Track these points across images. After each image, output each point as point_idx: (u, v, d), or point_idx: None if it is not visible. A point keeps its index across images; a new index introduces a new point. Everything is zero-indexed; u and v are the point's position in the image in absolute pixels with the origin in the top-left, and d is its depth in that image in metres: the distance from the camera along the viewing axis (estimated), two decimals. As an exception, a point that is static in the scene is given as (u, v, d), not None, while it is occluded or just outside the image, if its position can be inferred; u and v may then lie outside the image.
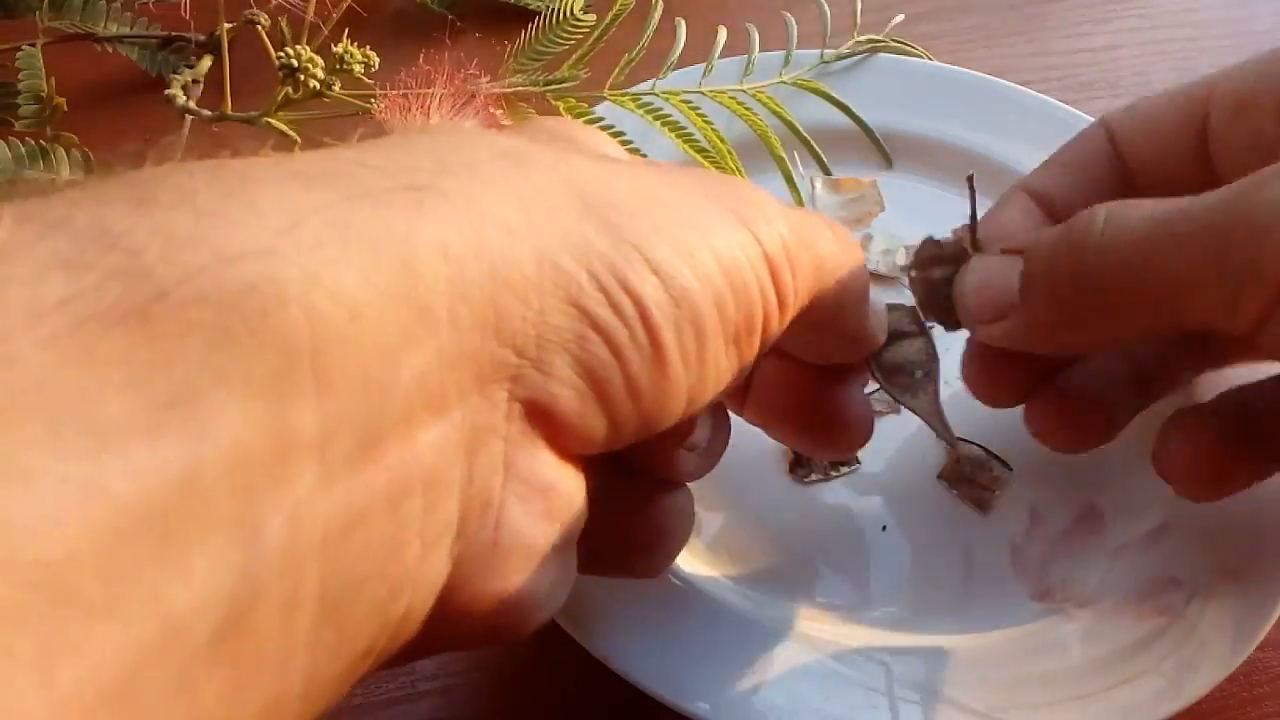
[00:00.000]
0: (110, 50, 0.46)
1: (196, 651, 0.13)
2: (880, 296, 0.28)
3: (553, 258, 0.18)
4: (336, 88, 0.41)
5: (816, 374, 0.28)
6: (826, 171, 0.42)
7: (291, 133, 0.39)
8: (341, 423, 0.15)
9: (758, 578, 0.32)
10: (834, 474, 0.35)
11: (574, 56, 0.41)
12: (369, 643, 0.16)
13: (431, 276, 0.16)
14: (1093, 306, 0.27)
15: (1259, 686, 0.32)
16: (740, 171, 0.40)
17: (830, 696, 0.29)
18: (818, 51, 0.44)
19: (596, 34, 0.42)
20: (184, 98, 0.42)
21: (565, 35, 0.42)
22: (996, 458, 0.35)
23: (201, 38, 0.46)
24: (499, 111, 0.40)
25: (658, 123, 0.40)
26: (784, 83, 0.43)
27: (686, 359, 0.20)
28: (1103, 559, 0.33)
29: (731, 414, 0.28)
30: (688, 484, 0.26)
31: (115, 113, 0.46)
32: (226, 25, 0.43)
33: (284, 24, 0.44)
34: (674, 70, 0.42)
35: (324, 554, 0.15)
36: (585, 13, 0.43)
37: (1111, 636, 0.31)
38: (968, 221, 0.30)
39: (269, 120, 0.40)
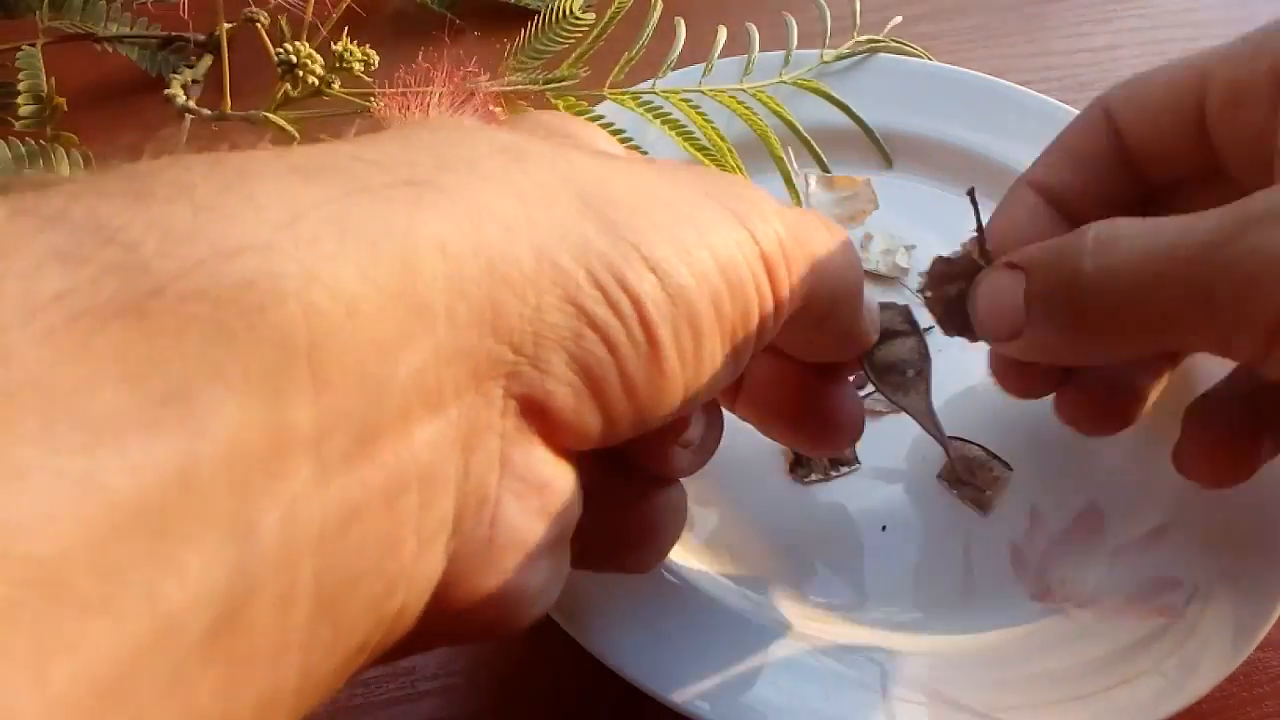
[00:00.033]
0: (110, 50, 0.46)
1: (191, 648, 0.13)
2: (873, 295, 0.28)
3: (551, 255, 0.18)
4: (336, 86, 0.41)
5: (809, 372, 0.28)
6: (826, 171, 0.42)
7: (291, 129, 0.39)
8: (338, 419, 0.15)
9: (758, 577, 0.32)
10: (834, 474, 0.35)
11: (573, 55, 0.41)
12: (364, 638, 0.16)
13: (429, 273, 0.16)
14: (1092, 333, 0.27)
15: (1259, 686, 0.32)
16: (741, 169, 0.40)
17: (830, 696, 0.29)
18: (818, 51, 0.44)
19: (596, 33, 0.42)
20: (184, 97, 0.42)
21: (564, 34, 0.42)
22: (996, 458, 0.35)
23: (201, 37, 0.46)
24: (498, 109, 0.40)
25: (658, 121, 0.40)
26: (784, 82, 0.43)
27: (683, 357, 0.20)
28: (1103, 559, 0.33)
29: (725, 412, 0.28)
30: (681, 480, 0.26)
31: (115, 113, 0.46)
32: (226, 25, 0.43)
33: (284, 22, 0.44)
34: (673, 70, 0.42)
35: (320, 550, 0.15)
36: (585, 12, 0.43)
37: (1111, 636, 0.31)
38: (974, 233, 0.30)
39: (266, 115, 0.40)
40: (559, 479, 0.19)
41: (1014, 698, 0.29)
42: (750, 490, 0.34)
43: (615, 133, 0.39)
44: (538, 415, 0.18)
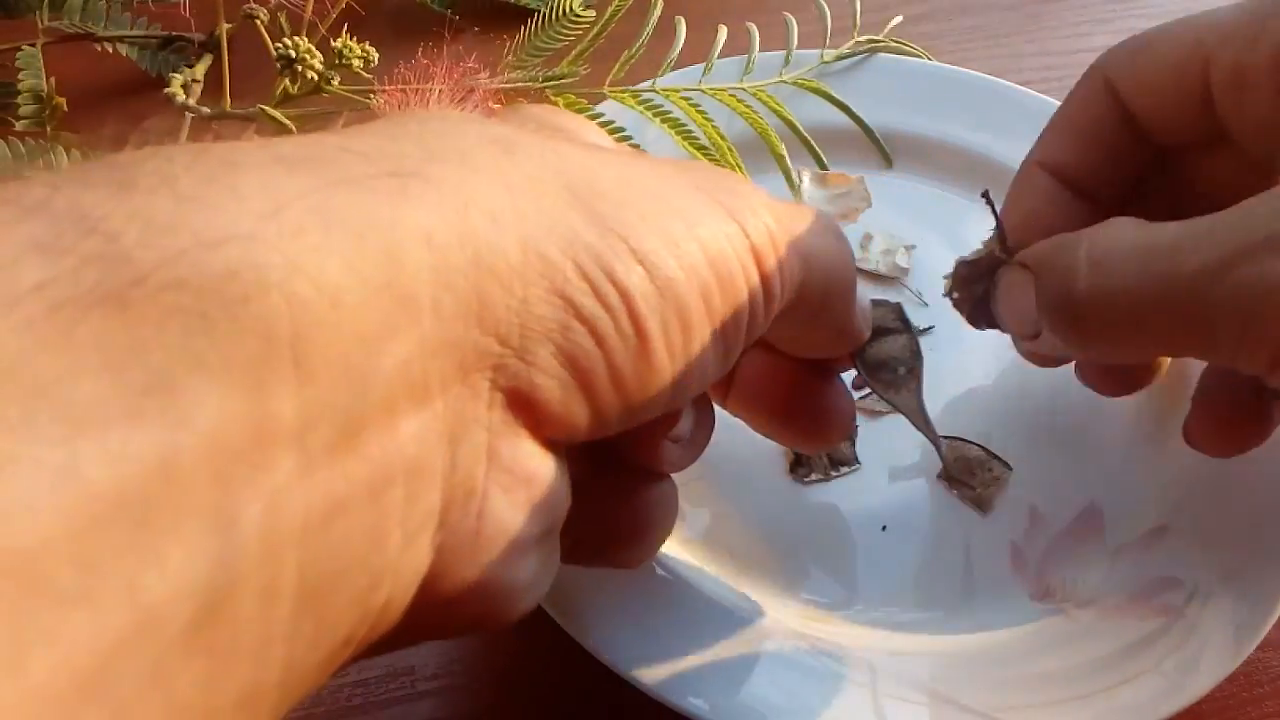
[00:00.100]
0: (110, 50, 0.46)
1: (172, 640, 0.13)
2: (865, 292, 0.28)
3: (538, 247, 0.18)
4: (335, 83, 0.41)
5: (801, 368, 0.28)
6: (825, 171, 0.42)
7: (289, 124, 0.39)
8: (322, 411, 0.15)
9: (758, 577, 0.32)
10: (834, 474, 0.35)
11: (573, 53, 0.41)
12: (349, 632, 0.16)
13: (414, 264, 0.16)
14: (1098, 345, 0.28)
15: (1259, 686, 0.31)
16: (741, 168, 0.40)
17: (830, 696, 0.29)
18: (818, 51, 0.44)
19: (596, 31, 0.42)
20: (184, 96, 0.42)
21: (564, 32, 0.42)
22: (997, 458, 0.35)
23: (201, 37, 0.46)
24: (498, 106, 0.40)
25: (657, 119, 0.40)
26: (784, 82, 0.43)
27: (671, 350, 0.20)
28: (1103, 559, 0.33)
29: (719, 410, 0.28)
30: (675, 477, 0.26)
31: (115, 113, 0.46)
32: (226, 25, 0.43)
33: (283, 19, 0.44)
34: (674, 69, 0.42)
35: (303, 543, 0.14)
36: (585, 10, 0.43)
37: (1111, 636, 0.31)
38: (992, 231, 0.31)
39: (263, 109, 0.40)
40: (547, 472, 0.19)
41: (1014, 698, 0.29)
42: (750, 490, 0.34)
43: (615, 131, 0.39)
44: (525, 408, 0.18)
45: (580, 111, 0.39)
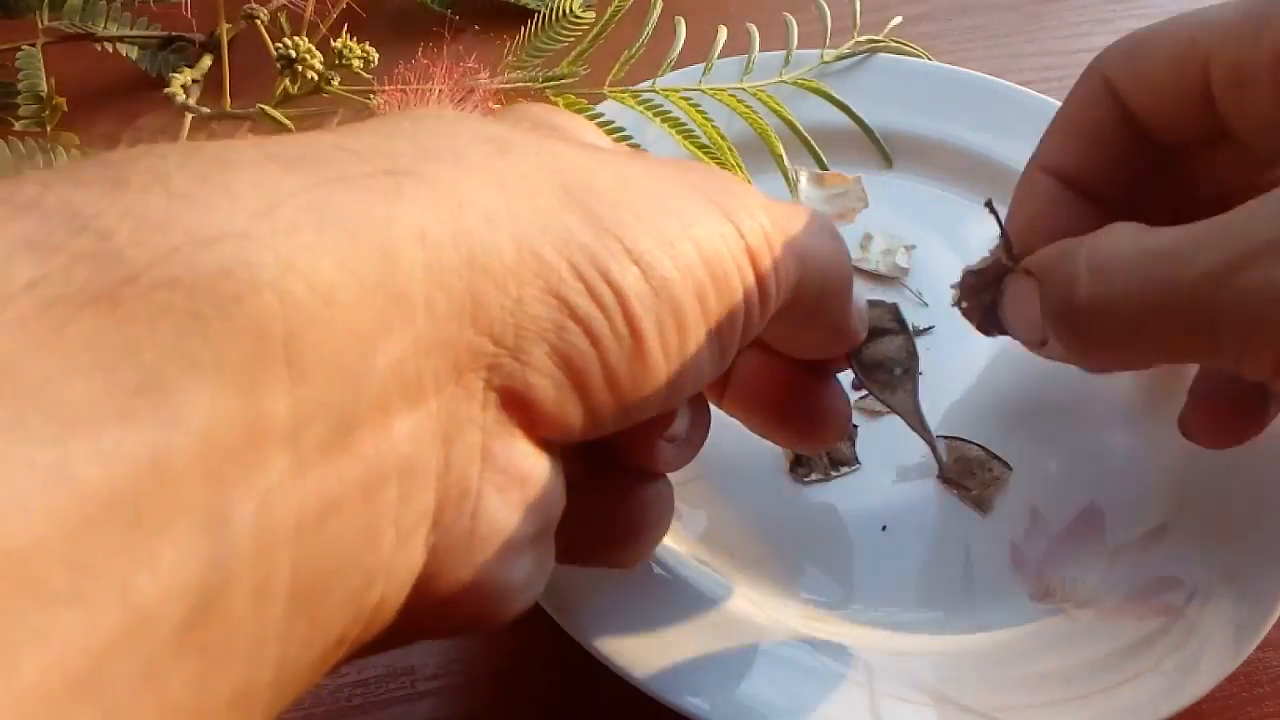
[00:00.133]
0: (110, 50, 0.46)
1: (165, 640, 0.13)
2: (861, 293, 0.28)
3: (533, 246, 0.18)
4: (336, 83, 0.41)
5: (797, 368, 0.28)
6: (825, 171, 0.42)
7: (289, 124, 0.39)
8: (315, 410, 0.15)
9: (757, 577, 0.32)
10: (834, 474, 0.35)
11: (573, 53, 0.41)
12: (342, 631, 0.16)
13: (408, 263, 0.16)
14: (1103, 352, 0.28)
15: (1259, 686, 0.31)
16: (741, 168, 0.40)
17: (829, 696, 0.29)
18: (818, 51, 0.44)
19: (596, 31, 0.42)
20: (184, 96, 0.42)
21: (564, 32, 0.42)
22: (997, 458, 0.35)
23: (201, 37, 0.46)
24: (497, 107, 0.40)
25: (657, 119, 0.40)
26: (784, 82, 0.43)
27: (667, 350, 0.20)
28: (1103, 559, 0.33)
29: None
30: (670, 475, 0.26)
31: (115, 113, 0.46)
32: (226, 25, 0.43)
33: (283, 19, 0.44)
34: (673, 69, 0.42)
35: (296, 543, 0.14)
36: (585, 10, 0.43)
37: (1111, 636, 0.31)
38: (998, 240, 0.31)
39: (263, 108, 0.40)
40: (541, 471, 0.19)
41: (1014, 698, 0.29)
42: (750, 490, 0.34)
43: (615, 131, 0.39)
44: (519, 408, 0.18)
45: (580, 112, 0.39)
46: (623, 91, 0.41)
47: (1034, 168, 0.33)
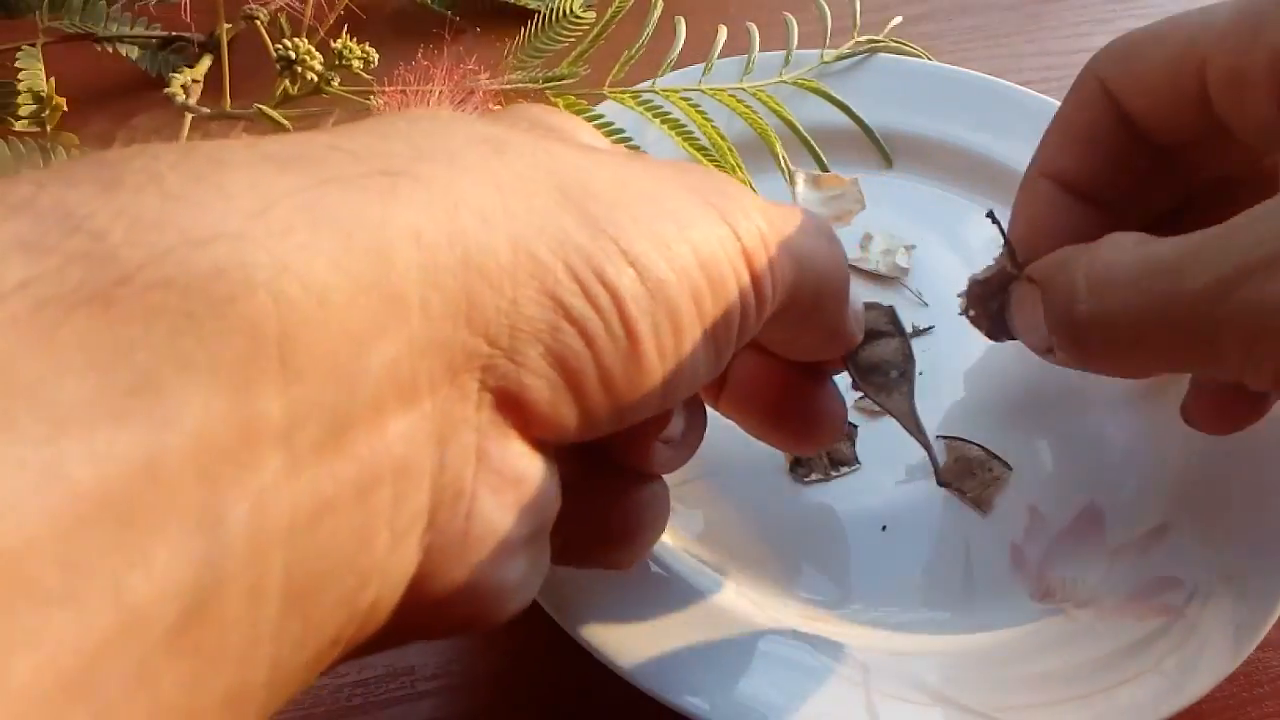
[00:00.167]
0: (110, 50, 0.46)
1: (158, 641, 0.13)
2: (858, 295, 0.28)
3: (528, 247, 0.18)
4: (336, 83, 0.41)
5: (793, 370, 0.28)
6: (825, 172, 0.42)
7: (287, 124, 0.39)
8: (309, 411, 0.14)
9: (757, 577, 0.32)
10: (834, 474, 0.35)
11: (573, 54, 0.41)
12: (336, 632, 0.16)
13: (403, 263, 0.16)
14: (1104, 362, 0.28)
15: (1259, 686, 0.31)
16: (741, 169, 0.40)
17: (829, 696, 0.29)
18: (818, 51, 0.44)
19: (596, 32, 0.42)
20: (183, 96, 0.42)
21: (565, 33, 0.42)
22: (997, 458, 0.35)
23: (201, 37, 0.46)
24: (497, 108, 0.40)
25: (657, 120, 0.40)
26: (784, 82, 0.43)
27: (662, 352, 0.20)
28: (1103, 559, 0.33)
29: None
30: (670, 475, 0.26)
31: (115, 113, 0.46)
32: (226, 25, 0.43)
33: (283, 20, 0.44)
34: (673, 69, 0.42)
35: (290, 543, 0.14)
36: (585, 11, 0.43)
37: (1111, 636, 0.31)
38: (1002, 248, 0.31)
39: (260, 107, 0.40)
40: (536, 473, 0.19)
41: (1014, 697, 0.29)
42: (750, 490, 0.34)
43: (615, 132, 0.39)
44: (514, 409, 0.18)
45: (580, 112, 0.39)
46: (622, 92, 0.41)
47: (1033, 173, 0.33)
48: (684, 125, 0.40)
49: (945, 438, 0.35)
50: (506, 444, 0.18)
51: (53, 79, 0.42)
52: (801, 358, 0.28)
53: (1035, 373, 0.35)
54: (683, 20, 0.43)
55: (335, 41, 0.40)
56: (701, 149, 0.40)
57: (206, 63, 0.45)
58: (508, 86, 0.40)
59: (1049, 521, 0.34)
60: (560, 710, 0.31)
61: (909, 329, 0.37)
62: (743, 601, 0.31)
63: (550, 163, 0.20)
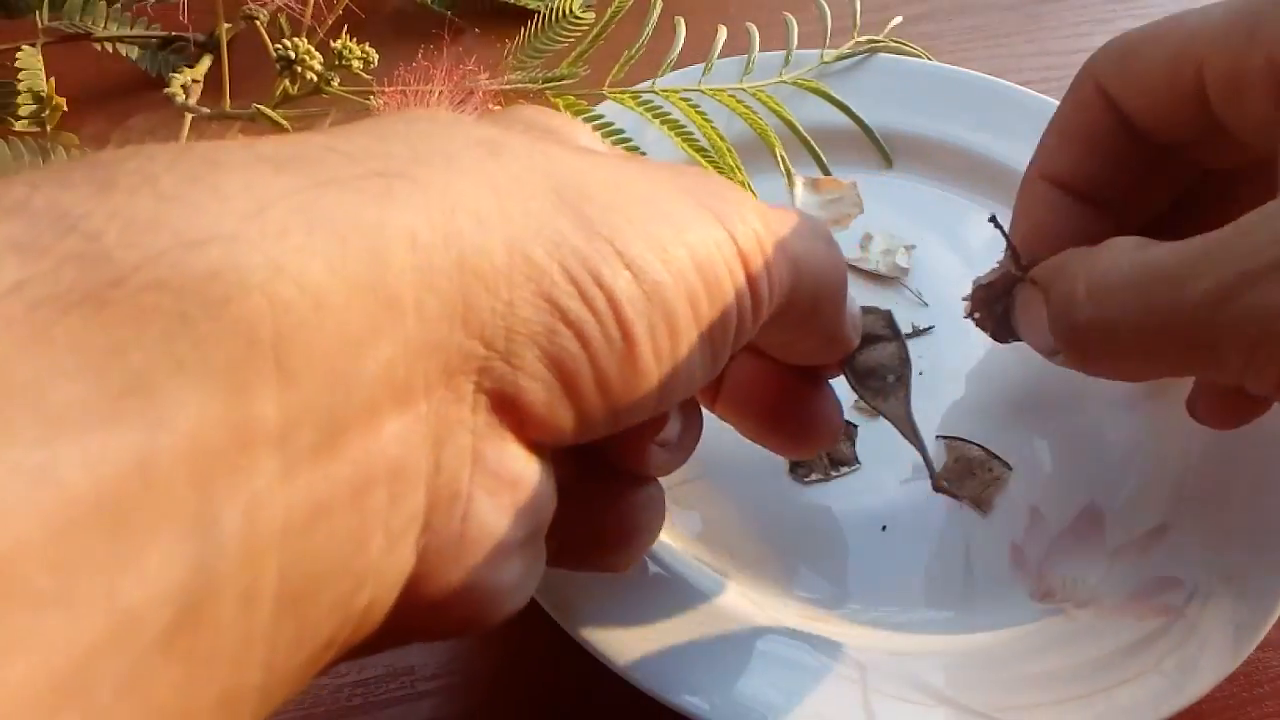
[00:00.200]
0: (110, 50, 0.46)
1: (151, 644, 0.13)
2: (855, 299, 0.28)
3: (524, 249, 0.18)
4: (335, 84, 0.41)
5: (790, 374, 0.28)
6: (825, 172, 0.42)
7: (286, 124, 0.39)
8: (304, 413, 0.14)
9: (757, 576, 0.32)
10: (834, 474, 0.35)
11: (573, 54, 0.41)
12: (331, 634, 0.16)
13: (399, 265, 0.16)
14: (1107, 365, 0.28)
15: (1259, 686, 0.31)
16: (740, 169, 0.40)
17: (828, 696, 0.29)
18: (818, 51, 0.44)
19: (595, 32, 0.42)
20: (183, 96, 0.42)
21: (564, 33, 0.42)
22: (997, 458, 0.35)
23: (201, 37, 0.46)
24: (497, 108, 0.40)
25: (656, 120, 0.40)
26: (784, 82, 0.43)
27: (659, 354, 0.20)
28: (1103, 559, 0.33)
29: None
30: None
31: (115, 113, 0.46)
32: (225, 25, 0.43)
33: (283, 20, 0.44)
34: (673, 69, 0.42)
35: (284, 546, 0.14)
36: (585, 11, 0.43)
37: (1111, 636, 0.31)
38: (1005, 252, 0.31)
39: (258, 107, 0.40)
40: (532, 475, 0.19)
41: (1014, 698, 0.29)
42: (750, 490, 0.34)
43: (614, 132, 0.39)
44: (509, 411, 0.18)
45: (579, 113, 0.39)
46: (622, 92, 0.41)
47: (1033, 175, 0.33)
48: (683, 126, 0.40)
49: (945, 438, 0.35)
50: (502, 446, 0.18)
51: (52, 79, 0.42)
52: (798, 361, 0.28)
53: (1035, 373, 0.35)
54: (682, 20, 0.43)
55: (335, 41, 0.40)
56: (701, 149, 0.40)
57: (206, 63, 0.45)
58: (507, 87, 0.40)
59: (1049, 521, 0.34)
60: (560, 710, 0.31)
61: (909, 329, 0.37)
62: (743, 601, 0.31)
63: (546, 165, 0.19)
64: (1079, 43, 0.50)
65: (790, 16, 0.44)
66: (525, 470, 0.19)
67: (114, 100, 0.46)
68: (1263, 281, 0.23)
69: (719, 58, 0.42)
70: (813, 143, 0.42)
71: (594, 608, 0.29)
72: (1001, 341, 0.33)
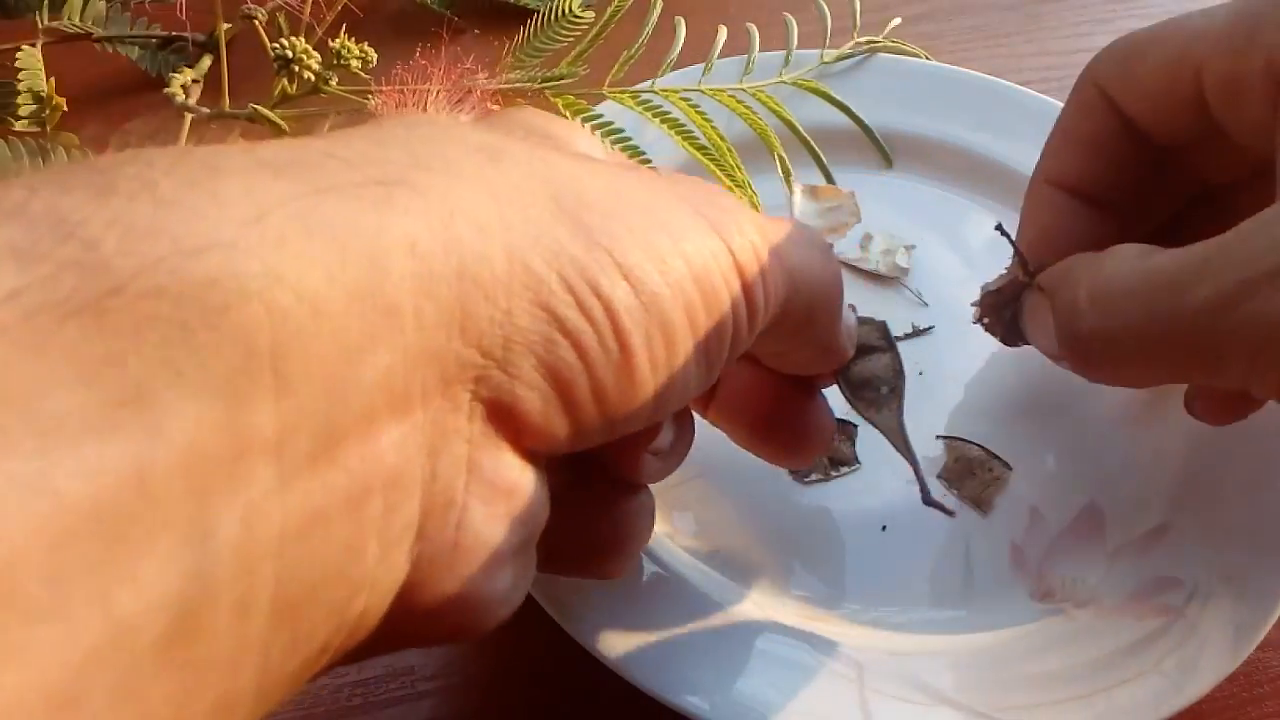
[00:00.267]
0: (110, 50, 0.46)
1: (145, 654, 0.13)
2: (850, 310, 0.28)
3: (523, 258, 0.18)
4: (334, 83, 0.41)
5: (784, 383, 0.28)
6: (826, 172, 0.42)
7: (284, 125, 0.39)
8: (301, 422, 0.14)
9: (757, 576, 0.32)
10: (834, 474, 0.35)
11: (572, 54, 0.41)
12: (325, 641, 0.16)
13: (398, 273, 0.16)
14: (1110, 373, 0.28)
15: (1259, 686, 0.31)
16: (740, 169, 0.40)
17: (828, 695, 0.29)
18: (818, 52, 0.44)
19: (595, 31, 0.41)
20: (183, 96, 0.42)
21: (564, 32, 0.42)
22: (997, 458, 0.35)
23: (201, 37, 0.46)
24: (496, 108, 0.40)
25: (656, 120, 0.40)
26: (784, 82, 0.43)
27: (655, 365, 0.20)
28: (1103, 559, 0.33)
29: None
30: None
31: (115, 113, 0.46)
32: (225, 25, 0.43)
33: (282, 19, 0.44)
34: (673, 69, 0.42)
35: (280, 554, 0.14)
36: (584, 10, 0.43)
37: (1111, 636, 0.31)
38: (1012, 258, 0.31)
39: (255, 107, 0.40)
40: (526, 484, 0.19)
41: (1014, 697, 0.29)
42: (750, 490, 0.34)
43: (614, 132, 0.39)
44: (506, 420, 0.18)
45: (579, 112, 0.39)
46: (622, 92, 0.41)
47: (1038, 179, 0.33)
48: (683, 125, 0.40)
49: (945, 438, 0.35)
50: (498, 455, 0.18)
51: (52, 79, 0.42)
52: (793, 371, 0.28)
53: (1036, 373, 0.35)
54: (682, 20, 0.43)
55: (333, 41, 0.40)
56: (701, 149, 0.40)
57: (206, 62, 0.45)
58: (506, 86, 0.40)
59: (1049, 521, 0.34)
60: (560, 710, 0.31)
61: (909, 329, 0.37)
62: (742, 601, 0.31)
63: (546, 172, 0.19)
64: (1079, 43, 0.50)
65: (790, 17, 0.44)
66: (520, 479, 0.19)
67: (114, 100, 0.46)
68: (1263, 288, 0.24)
69: (719, 58, 0.42)
70: (813, 143, 0.42)
71: (593, 608, 0.29)
72: (1010, 345, 0.33)
